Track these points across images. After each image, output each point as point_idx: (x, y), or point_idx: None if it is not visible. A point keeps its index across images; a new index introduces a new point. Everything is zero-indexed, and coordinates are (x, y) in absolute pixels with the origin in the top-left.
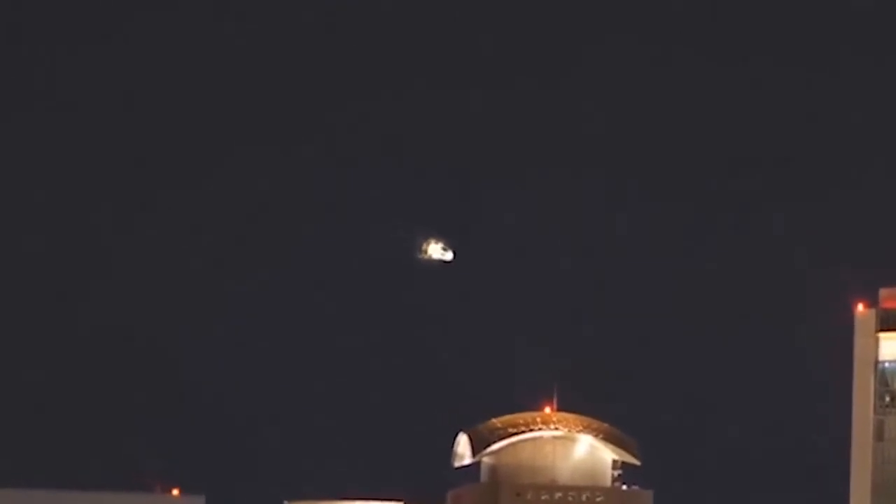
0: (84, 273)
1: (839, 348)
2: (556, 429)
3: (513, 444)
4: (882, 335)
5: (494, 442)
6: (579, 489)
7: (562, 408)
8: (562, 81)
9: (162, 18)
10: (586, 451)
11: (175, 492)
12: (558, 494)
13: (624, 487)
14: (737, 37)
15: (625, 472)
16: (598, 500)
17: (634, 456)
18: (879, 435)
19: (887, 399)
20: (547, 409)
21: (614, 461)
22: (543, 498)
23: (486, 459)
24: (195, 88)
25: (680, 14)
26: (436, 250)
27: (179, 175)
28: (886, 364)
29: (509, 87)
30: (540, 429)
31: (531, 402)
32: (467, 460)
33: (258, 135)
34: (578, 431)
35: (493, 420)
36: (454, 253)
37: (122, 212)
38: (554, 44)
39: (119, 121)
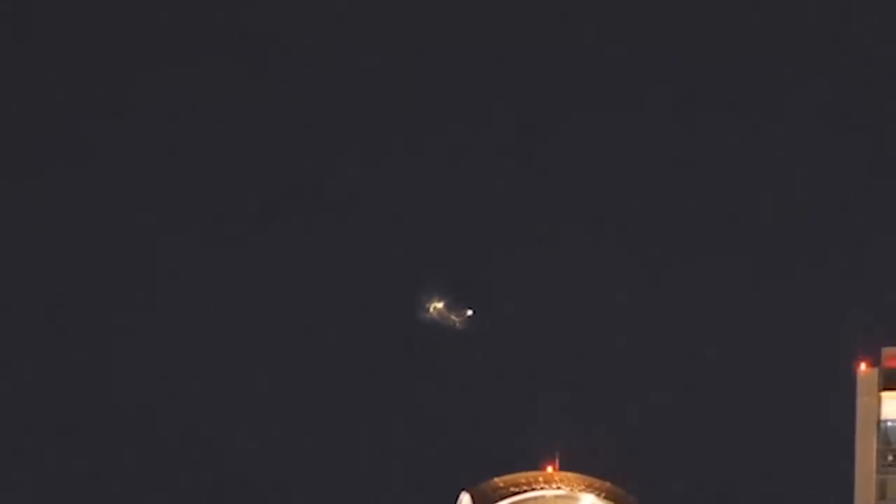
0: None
1: (840, 407)
2: (559, 488)
3: None
4: (885, 394)
5: (496, 501)
6: None
7: (564, 467)
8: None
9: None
10: None
11: None
12: None
13: None
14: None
15: None
16: None
17: None
18: (882, 494)
19: (890, 458)
20: (549, 469)
21: None
22: None
23: None
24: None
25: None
26: (442, 310)
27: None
28: (889, 423)
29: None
30: (542, 487)
31: (533, 461)
32: None
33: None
34: (581, 490)
35: (496, 479)
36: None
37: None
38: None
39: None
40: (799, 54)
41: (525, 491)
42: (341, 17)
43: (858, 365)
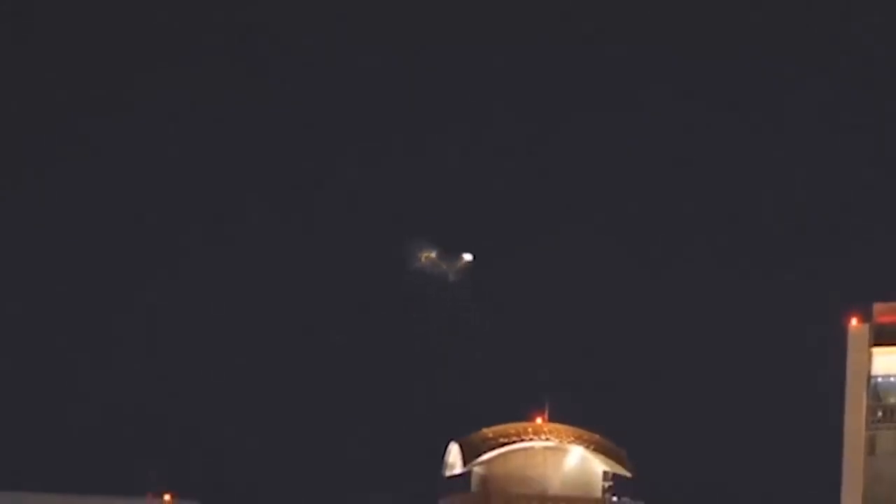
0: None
1: (831, 362)
2: (548, 439)
3: (504, 455)
4: (875, 350)
5: (485, 452)
6: (569, 500)
7: (553, 418)
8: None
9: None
10: (577, 463)
11: (167, 497)
12: None
13: (614, 499)
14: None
15: (615, 484)
16: None
17: (625, 468)
18: (871, 450)
19: (879, 414)
20: (538, 420)
21: (605, 473)
22: None
23: (476, 469)
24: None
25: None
26: (434, 259)
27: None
28: (879, 379)
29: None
30: (531, 439)
31: (523, 413)
32: (458, 470)
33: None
34: (570, 442)
35: (485, 430)
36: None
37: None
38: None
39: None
40: (799, 54)
41: (514, 442)
42: (341, 17)
43: (849, 320)
